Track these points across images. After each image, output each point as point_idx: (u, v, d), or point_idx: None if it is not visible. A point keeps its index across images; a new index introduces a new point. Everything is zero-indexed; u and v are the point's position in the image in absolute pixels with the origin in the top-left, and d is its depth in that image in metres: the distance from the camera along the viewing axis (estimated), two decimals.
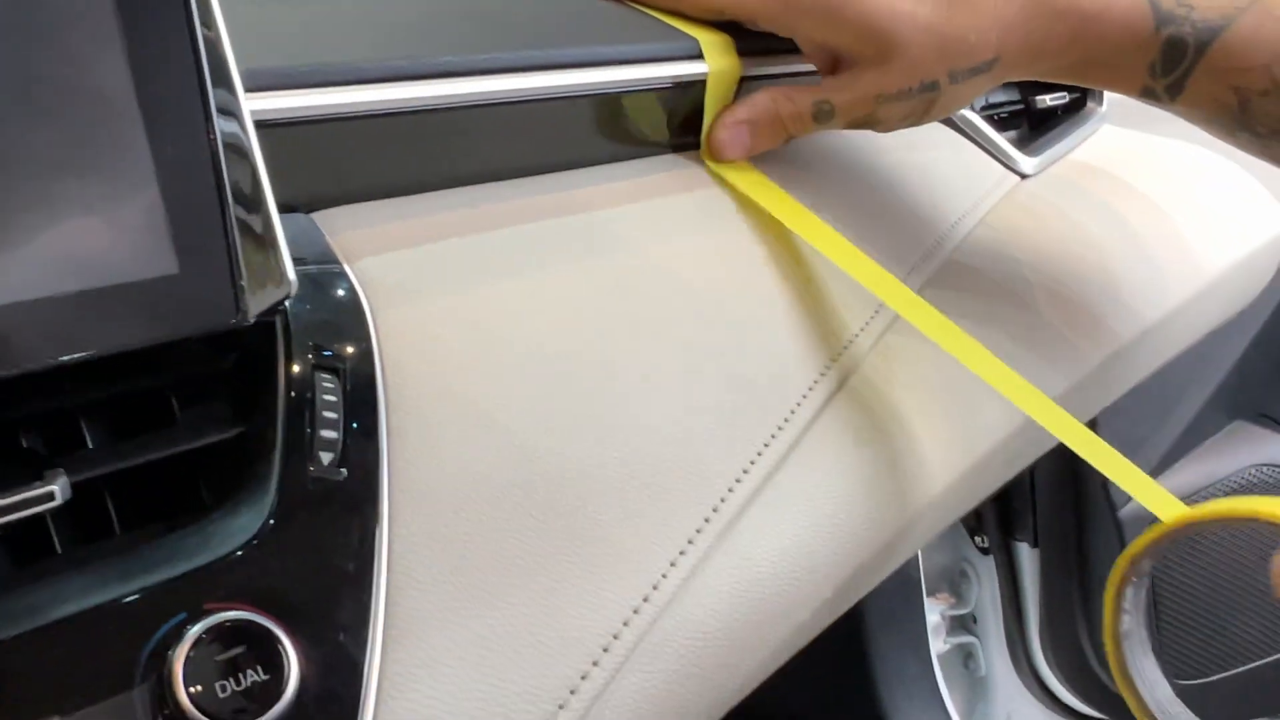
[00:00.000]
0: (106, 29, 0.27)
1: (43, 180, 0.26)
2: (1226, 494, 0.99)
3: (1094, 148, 0.68)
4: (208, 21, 0.29)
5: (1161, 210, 0.61)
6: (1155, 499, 0.40)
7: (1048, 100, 0.68)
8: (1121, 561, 0.38)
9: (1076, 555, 1.00)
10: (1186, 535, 0.37)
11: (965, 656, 1.13)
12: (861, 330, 0.46)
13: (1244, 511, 0.36)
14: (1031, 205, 0.59)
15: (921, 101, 0.47)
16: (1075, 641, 1.06)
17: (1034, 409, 0.42)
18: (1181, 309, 0.57)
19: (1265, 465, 0.99)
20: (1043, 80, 0.50)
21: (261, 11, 0.41)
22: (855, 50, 0.46)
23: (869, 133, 0.56)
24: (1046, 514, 1.00)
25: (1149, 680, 0.39)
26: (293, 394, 0.31)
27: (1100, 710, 1.10)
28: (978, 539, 1.09)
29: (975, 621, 1.12)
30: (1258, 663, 1.02)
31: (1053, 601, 1.06)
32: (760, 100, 0.48)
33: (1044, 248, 0.55)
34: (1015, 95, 0.71)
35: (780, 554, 0.38)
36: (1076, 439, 0.42)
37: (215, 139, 0.29)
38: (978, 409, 0.48)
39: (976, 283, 0.51)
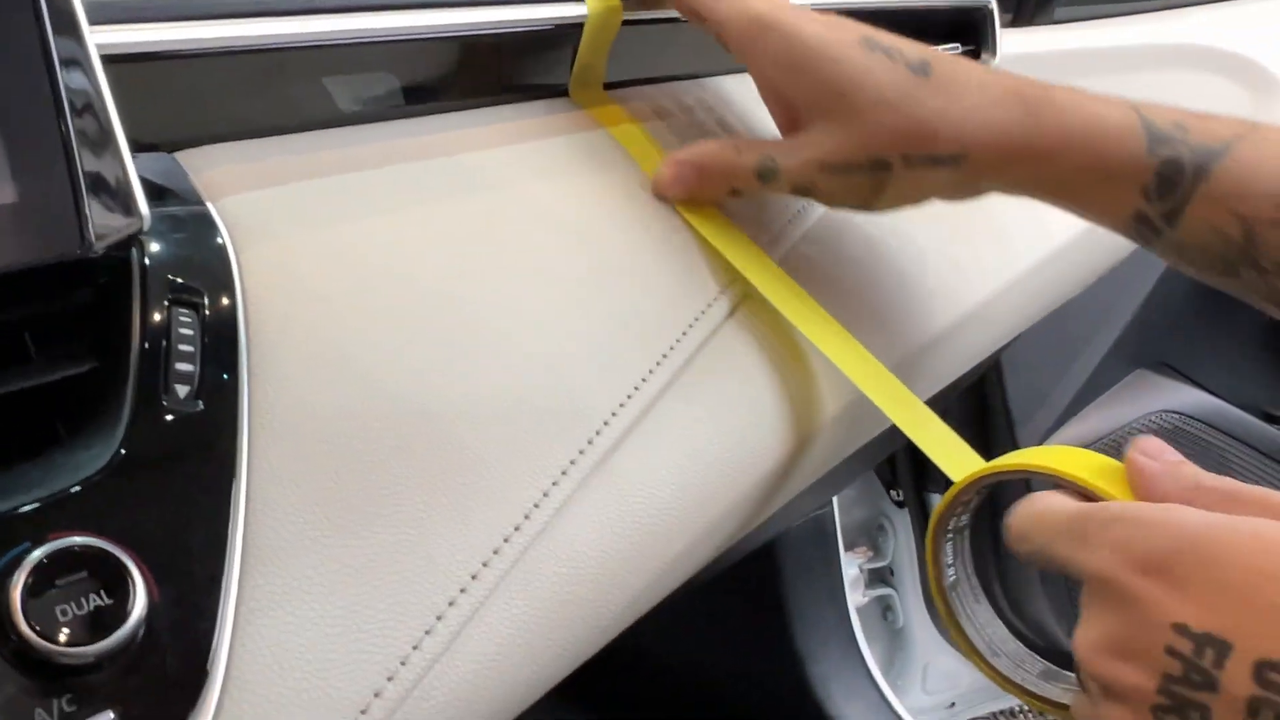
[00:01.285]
0: None
1: None
2: (1127, 442, 1.02)
3: None
4: None
5: None
6: (952, 458, 0.41)
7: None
8: (933, 523, 0.39)
9: (987, 504, 1.03)
10: (984, 487, 0.39)
11: (884, 609, 1.16)
12: (766, 245, 0.47)
13: (1032, 465, 0.38)
14: None
15: (870, 181, 0.44)
16: (989, 590, 1.09)
17: (856, 371, 0.43)
18: (1065, 248, 0.59)
19: (1166, 412, 1.02)
20: (1018, 195, 0.46)
21: None
22: (810, 105, 0.43)
23: (746, 85, 0.57)
24: None
25: (980, 623, 0.40)
26: (147, 328, 0.31)
27: None
28: (893, 492, 1.12)
29: (893, 574, 1.15)
30: None
31: None
32: (709, 146, 0.46)
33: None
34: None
35: (656, 485, 0.38)
36: (883, 394, 0.42)
37: (54, 66, 0.29)
38: (876, 334, 0.49)
39: (856, 226, 0.51)
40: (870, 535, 1.15)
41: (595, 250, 0.43)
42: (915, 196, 0.45)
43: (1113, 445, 1.03)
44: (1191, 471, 0.35)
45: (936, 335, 0.52)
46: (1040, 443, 1.00)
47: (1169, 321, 1.06)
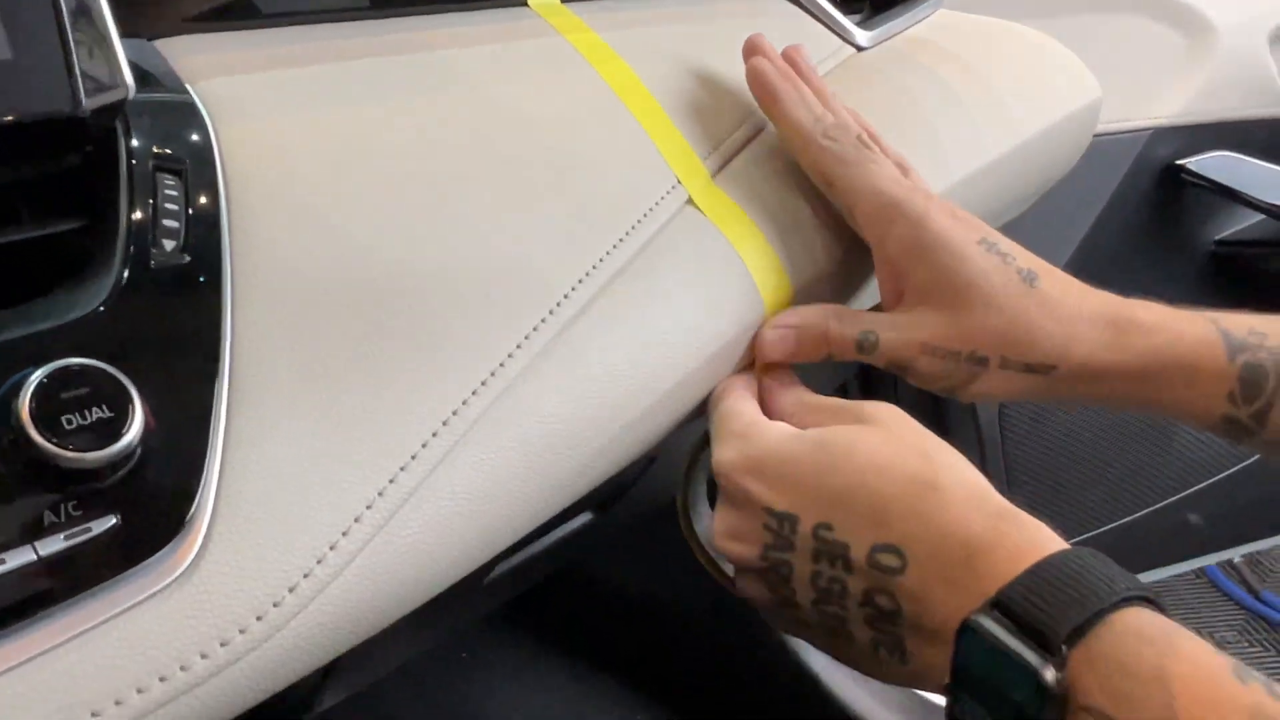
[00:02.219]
0: None
1: None
2: None
3: (928, 27, 0.72)
4: None
5: (982, 77, 0.66)
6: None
7: None
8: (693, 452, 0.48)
9: (936, 434, 1.07)
10: None
11: None
12: (707, 158, 0.50)
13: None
14: (861, 72, 0.63)
15: (964, 372, 0.46)
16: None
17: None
18: (998, 163, 0.62)
19: None
20: (1106, 406, 0.48)
21: None
22: (924, 289, 0.46)
23: (718, 3, 0.59)
24: (906, 396, 1.06)
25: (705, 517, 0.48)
26: (134, 189, 0.33)
27: None
28: None
29: None
30: (1101, 529, 1.11)
31: None
32: (813, 313, 0.47)
33: (870, 106, 0.58)
34: None
35: (610, 353, 0.41)
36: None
37: None
38: (811, 235, 0.52)
39: (776, 163, 0.54)
40: None
41: (554, 144, 0.45)
42: (1002, 394, 0.47)
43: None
44: (797, 394, 0.46)
45: (853, 246, 0.55)
46: (1000, 434, 1.04)
47: (1110, 257, 1.10)
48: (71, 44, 0.31)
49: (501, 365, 0.38)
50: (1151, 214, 1.09)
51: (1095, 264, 1.08)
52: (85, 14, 0.32)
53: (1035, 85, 0.70)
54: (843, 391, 1.09)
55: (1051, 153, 0.69)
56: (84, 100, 0.31)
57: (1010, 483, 1.09)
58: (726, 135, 0.52)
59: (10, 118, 0.30)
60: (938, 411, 1.06)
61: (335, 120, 0.40)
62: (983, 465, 1.06)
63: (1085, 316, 0.45)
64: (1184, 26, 1.04)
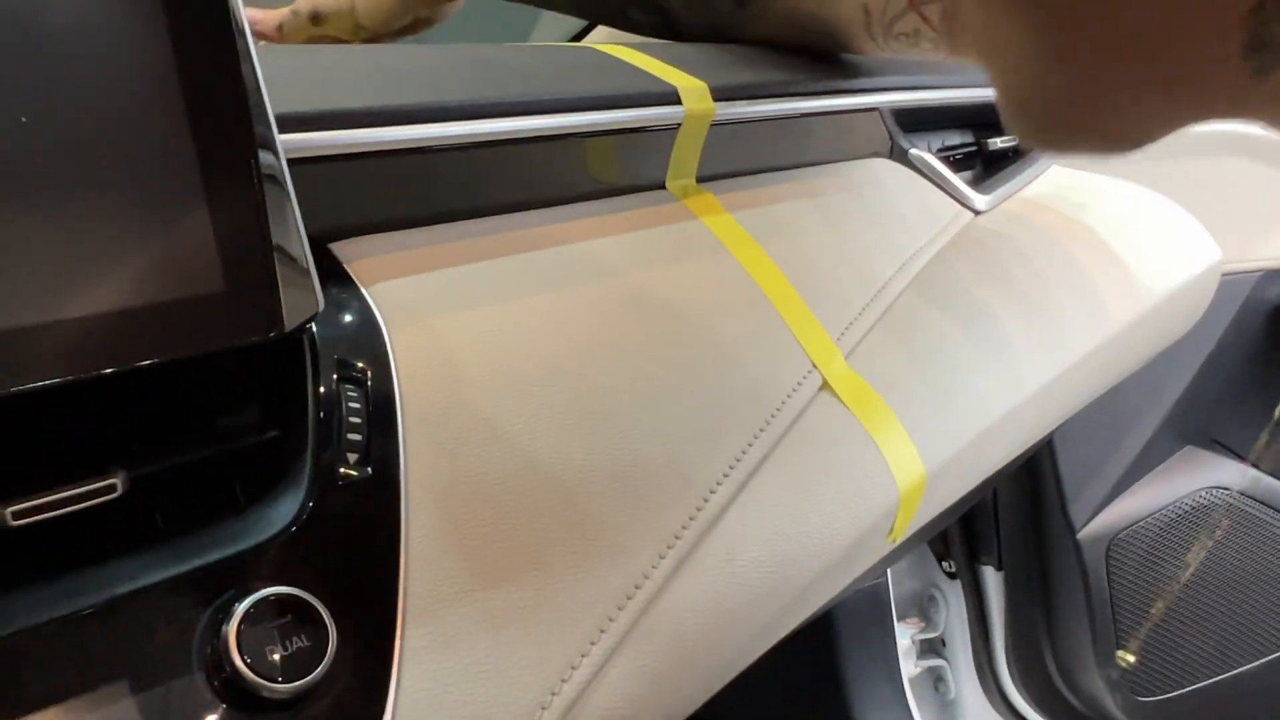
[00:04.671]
0: (165, 69, 0.31)
1: (108, 205, 0.30)
2: (1178, 517, 1.04)
3: (1042, 186, 0.73)
4: (250, 63, 0.33)
5: (1104, 242, 0.66)
6: None
7: (999, 143, 0.73)
8: None
9: (1039, 577, 1.05)
10: None
11: (935, 680, 1.17)
12: (839, 338, 0.51)
13: None
14: (983, 239, 0.64)
15: None
16: (1041, 662, 1.10)
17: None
18: (1122, 334, 0.62)
19: (1215, 487, 1.04)
20: None
21: (286, 60, 0.45)
22: None
23: (835, 173, 0.61)
24: (1010, 538, 1.05)
25: None
26: (322, 402, 0.35)
27: None
28: (945, 564, 1.14)
29: (944, 645, 1.16)
30: (1211, 679, 1.07)
31: (1018, 623, 1.10)
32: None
33: (993, 277, 0.59)
34: (970, 138, 0.76)
35: (757, 550, 0.42)
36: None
37: (258, 168, 0.33)
38: (943, 416, 0.52)
39: (930, 312, 0.55)
40: (922, 606, 1.17)
41: (696, 333, 0.47)
42: None
43: (1163, 521, 1.04)
44: None
45: (991, 424, 0.55)
46: (1091, 520, 1.02)
47: (1218, 398, 1.09)
48: (277, 270, 0.33)
49: (654, 567, 0.39)
50: (1262, 355, 1.07)
51: (1204, 406, 1.07)
52: (286, 236, 0.34)
53: (1155, 250, 0.70)
54: (942, 536, 1.08)
55: (1172, 319, 0.69)
56: (286, 323, 0.33)
57: (1117, 627, 1.05)
58: (856, 314, 0.53)
59: (219, 348, 0.32)
60: (1042, 554, 1.04)
61: (494, 319, 0.42)
62: (1088, 607, 1.03)
63: None
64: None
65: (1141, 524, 1.03)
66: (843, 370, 0.50)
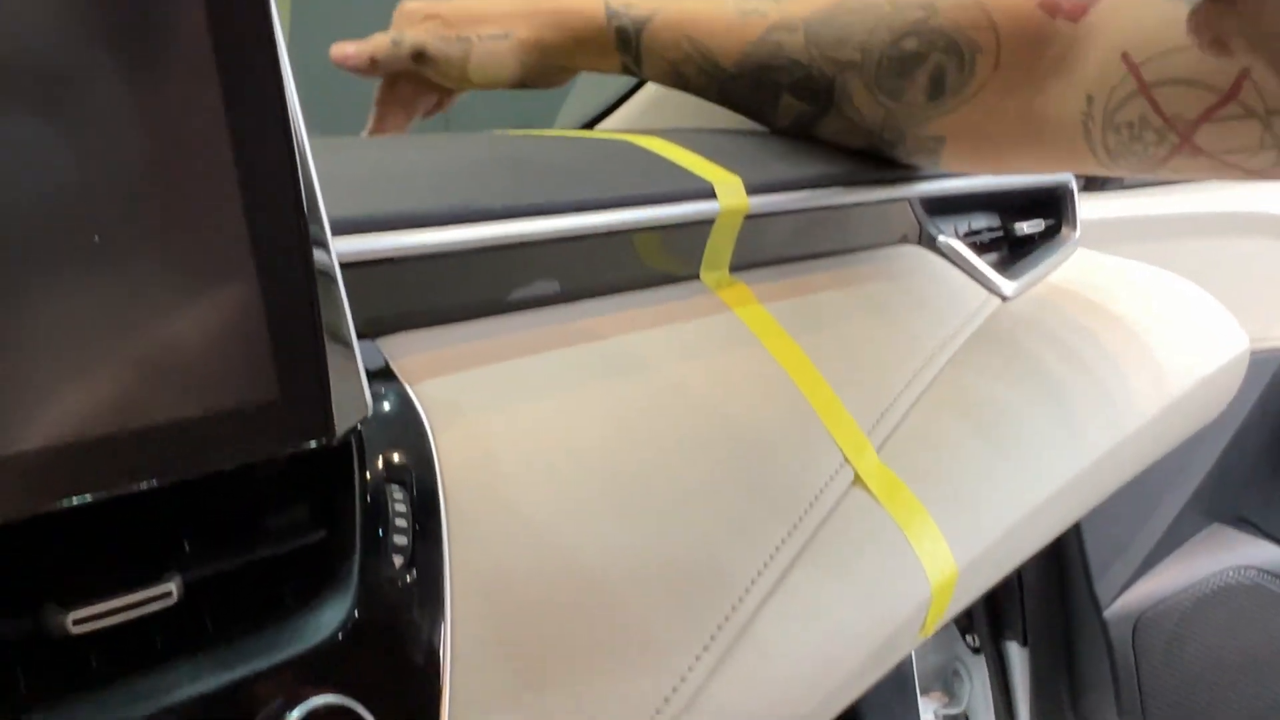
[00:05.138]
0: (224, 173, 0.32)
1: (169, 315, 0.31)
2: (1205, 596, 1.03)
3: (1069, 271, 0.74)
4: (307, 164, 0.34)
5: (1131, 330, 0.67)
6: None
7: (1025, 228, 0.74)
8: None
9: (1065, 653, 1.04)
10: None
11: None
12: (871, 430, 0.51)
13: None
14: (1011, 327, 0.64)
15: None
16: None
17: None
18: (1151, 424, 0.62)
19: (1243, 567, 1.03)
20: (554, 65, 0.66)
21: (332, 156, 0.46)
22: None
23: (866, 260, 0.62)
24: (1034, 613, 1.04)
25: None
26: (369, 503, 0.36)
27: None
28: (969, 638, 1.13)
29: None
30: None
31: (1043, 700, 1.09)
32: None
33: (1022, 367, 0.60)
34: (996, 221, 0.77)
35: (792, 647, 0.42)
36: None
37: (313, 274, 0.34)
38: (974, 510, 0.52)
39: (960, 403, 0.56)
40: (946, 681, 1.16)
41: (730, 426, 0.47)
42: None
43: (1190, 600, 1.04)
44: None
45: (1022, 517, 0.56)
46: (1118, 597, 1.01)
47: (1246, 476, 1.08)
48: (329, 378, 0.34)
49: (690, 669, 0.39)
50: None
51: (1231, 483, 1.06)
52: (339, 343, 0.35)
53: (1183, 339, 0.70)
54: (968, 617, 1.07)
55: (1200, 408, 0.69)
56: (337, 429, 0.34)
57: (1144, 707, 1.04)
58: (888, 405, 0.54)
59: (272, 457, 0.33)
60: (1068, 631, 1.03)
61: (533, 416, 0.43)
62: (1114, 686, 1.02)
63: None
64: None
65: (1168, 602, 1.02)
66: (874, 464, 0.50)
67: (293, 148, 0.33)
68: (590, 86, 1.10)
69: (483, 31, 0.65)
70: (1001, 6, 0.55)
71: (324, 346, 0.34)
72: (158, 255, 0.31)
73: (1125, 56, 0.51)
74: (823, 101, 0.61)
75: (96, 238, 0.30)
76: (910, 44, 0.57)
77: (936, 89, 0.57)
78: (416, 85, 0.69)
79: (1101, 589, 1.02)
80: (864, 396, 0.53)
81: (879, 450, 0.51)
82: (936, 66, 0.57)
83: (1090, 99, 0.53)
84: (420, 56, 0.66)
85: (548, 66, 0.66)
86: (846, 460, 0.49)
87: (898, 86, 0.58)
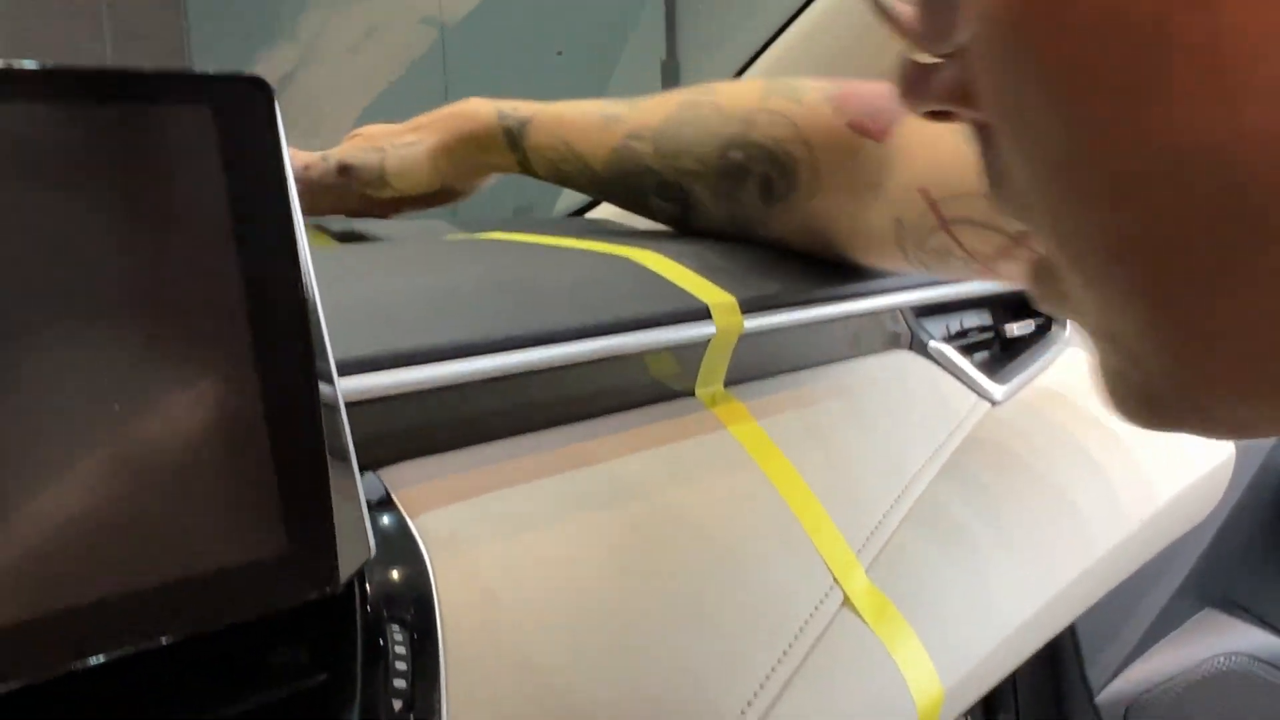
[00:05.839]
0: (240, 344, 0.33)
1: (179, 473, 0.32)
2: (1196, 683, 1.04)
3: (1059, 371, 0.75)
4: (316, 316, 0.35)
5: (1118, 438, 0.68)
6: None
7: (1016, 329, 0.76)
8: None
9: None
10: None
11: None
12: (860, 549, 0.52)
13: None
14: (1000, 434, 0.66)
15: None
16: None
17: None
18: (1136, 534, 0.64)
19: (1233, 653, 1.04)
20: (463, 166, 0.72)
21: (331, 283, 0.47)
22: None
23: (858, 369, 0.63)
24: (1027, 698, 1.04)
25: None
26: (369, 645, 0.37)
27: None
28: None
29: None
30: None
31: None
32: None
33: (1010, 477, 0.61)
34: (988, 319, 0.79)
35: None
36: None
37: (321, 428, 0.36)
38: (961, 629, 0.53)
39: (948, 515, 0.57)
40: None
41: (724, 551, 0.48)
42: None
43: (1181, 686, 1.04)
44: None
45: (1010, 634, 0.57)
46: (1109, 683, 1.02)
47: (1238, 560, 1.09)
48: (335, 526, 0.36)
49: None
50: (1278, 519, 1.08)
51: (1222, 568, 1.07)
52: (345, 488, 0.37)
53: (1169, 445, 0.72)
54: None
55: (1184, 515, 0.70)
56: (342, 577, 0.35)
57: None
58: (877, 522, 0.55)
59: (279, 609, 0.34)
60: (1060, 716, 1.03)
61: (530, 548, 0.44)
62: None
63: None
64: None
65: (1160, 688, 1.03)
66: (863, 584, 0.51)
67: (304, 299, 0.34)
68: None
69: (397, 141, 0.72)
70: (812, 123, 0.59)
71: (330, 496, 0.35)
72: (171, 415, 0.32)
73: (924, 191, 0.53)
74: (682, 204, 0.65)
75: (116, 407, 0.31)
76: (736, 155, 0.61)
77: (767, 196, 0.61)
78: (337, 206, 0.76)
79: (1093, 674, 1.02)
80: (854, 513, 0.54)
81: (868, 569, 0.52)
82: (764, 176, 0.61)
83: (899, 222, 0.56)
84: (345, 169, 0.73)
85: (458, 168, 0.72)
86: (836, 581, 0.50)
87: (735, 193, 0.62)
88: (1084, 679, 1.02)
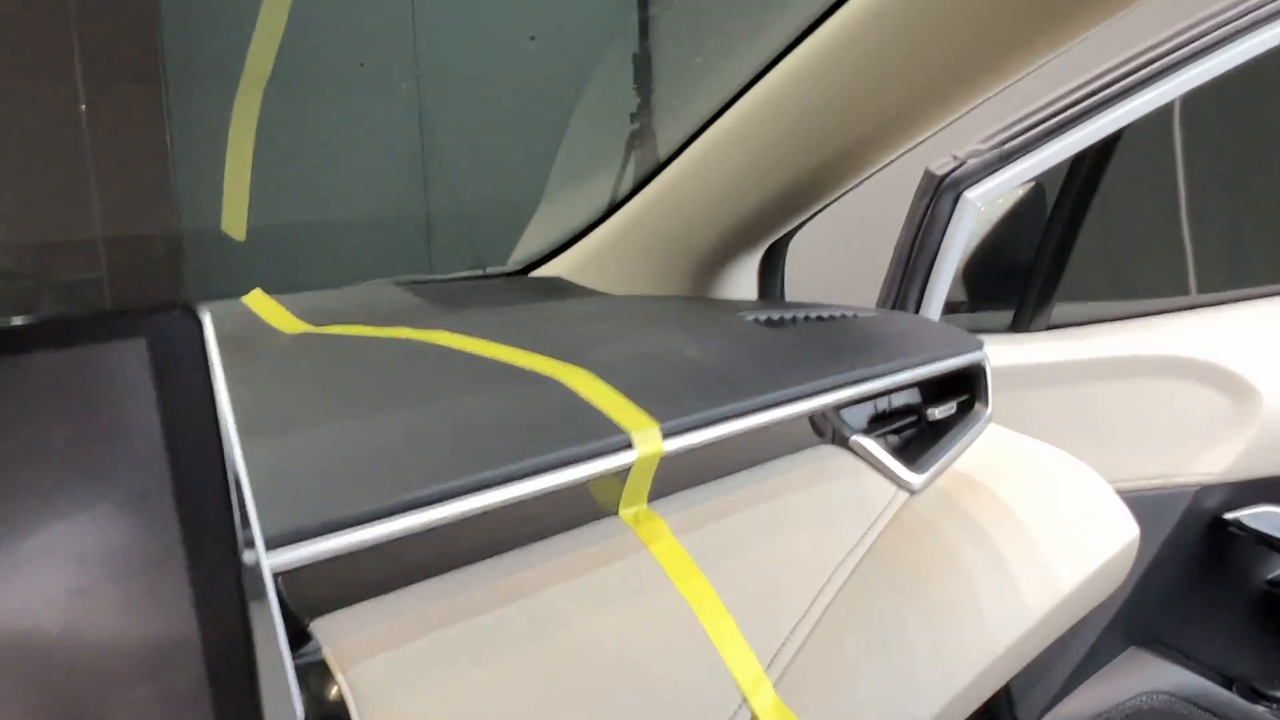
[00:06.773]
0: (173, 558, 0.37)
1: (111, 686, 0.36)
2: None
3: (978, 454, 0.80)
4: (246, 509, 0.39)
5: (1025, 529, 0.72)
6: None
7: (937, 413, 0.80)
8: None
9: None
10: None
11: None
12: (769, 664, 0.57)
13: None
14: (915, 525, 0.70)
15: None
16: None
17: None
18: (1038, 626, 0.68)
19: (1156, 692, 1.09)
20: None
21: (262, 444, 0.51)
22: None
23: (780, 470, 0.67)
24: None
25: None
26: None
27: None
28: None
29: None
30: None
31: None
32: None
33: (918, 570, 0.65)
34: (917, 398, 0.83)
35: None
36: None
37: (252, 634, 0.39)
38: None
39: (857, 617, 0.61)
40: None
41: (640, 678, 0.52)
42: None
43: None
44: None
45: (950, 699, 0.61)
46: None
47: (1163, 600, 1.14)
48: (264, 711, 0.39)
49: None
50: (1201, 562, 1.13)
51: (1147, 612, 1.12)
52: (274, 674, 0.40)
53: (1076, 533, 0.76)
54: None
55: (1086, 599, 0.75)
56: None
57: None
58: (787, 633, 0.59)
59: None
60: None
61: (457, 693, 0.48)
62: None
63: None
64: (1228, 391, 1.10)
65: None
66: (770, 700, 0.55)
67: (235, 530, 0.38)
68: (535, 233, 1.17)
69: None
70: None
71: (259, 687, 0.39)
72: (103, 634, 0.36)
73: None
74: None
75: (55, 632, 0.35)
76: None
77: None
78: None
79: (1023, 712, 1.07)
80: (766, 626, 0.58)
81: (776, 683, 0.56)
82: None
83: None
84: None
85: None
86: (745, 701, 0.54)
87: None
88: (1014, 718, 1.07)
